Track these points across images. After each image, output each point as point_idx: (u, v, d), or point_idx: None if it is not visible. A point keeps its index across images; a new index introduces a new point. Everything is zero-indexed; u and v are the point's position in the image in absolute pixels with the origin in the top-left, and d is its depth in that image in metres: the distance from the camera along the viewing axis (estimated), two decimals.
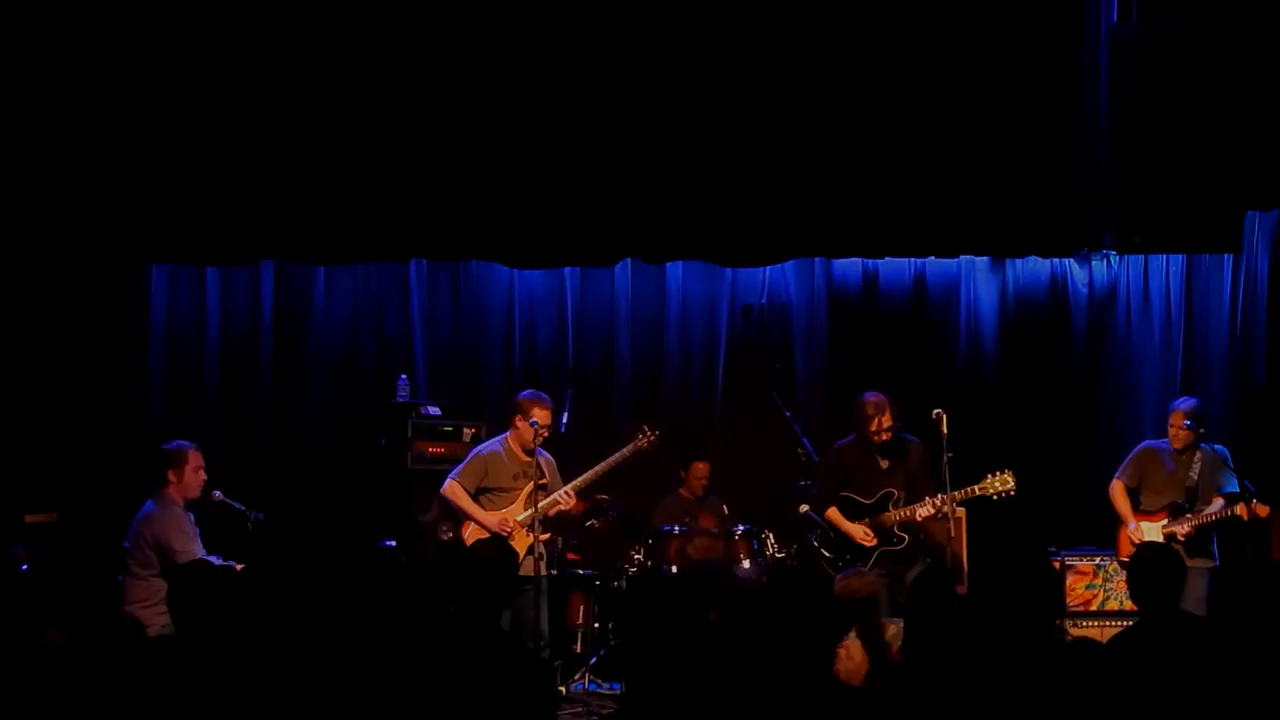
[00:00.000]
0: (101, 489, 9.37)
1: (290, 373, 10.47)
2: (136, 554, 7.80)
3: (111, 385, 9.78)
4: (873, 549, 8.78)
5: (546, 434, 8.71)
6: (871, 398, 8.82)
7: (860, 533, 8.78)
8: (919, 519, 8.65)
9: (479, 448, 8.94)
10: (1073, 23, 9.76)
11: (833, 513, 8.90)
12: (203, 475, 8.04)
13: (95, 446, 9.55)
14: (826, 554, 8.96)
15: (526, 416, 8.64)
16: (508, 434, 8.81)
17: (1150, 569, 5.65)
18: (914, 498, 8.69)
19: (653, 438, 9.06)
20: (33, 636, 7.08)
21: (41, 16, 9.27)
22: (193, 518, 8.05)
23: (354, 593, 4.44)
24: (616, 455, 8.92)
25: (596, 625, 9.47)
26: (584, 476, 8.82)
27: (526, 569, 8.63)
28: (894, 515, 8.75)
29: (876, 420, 8.74)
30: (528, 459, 8.70)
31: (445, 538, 9.09)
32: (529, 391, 8.91)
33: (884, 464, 8.87)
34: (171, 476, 7.95)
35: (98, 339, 9.71)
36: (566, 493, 8.73)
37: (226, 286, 10.42)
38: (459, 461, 9.10)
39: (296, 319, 10.49)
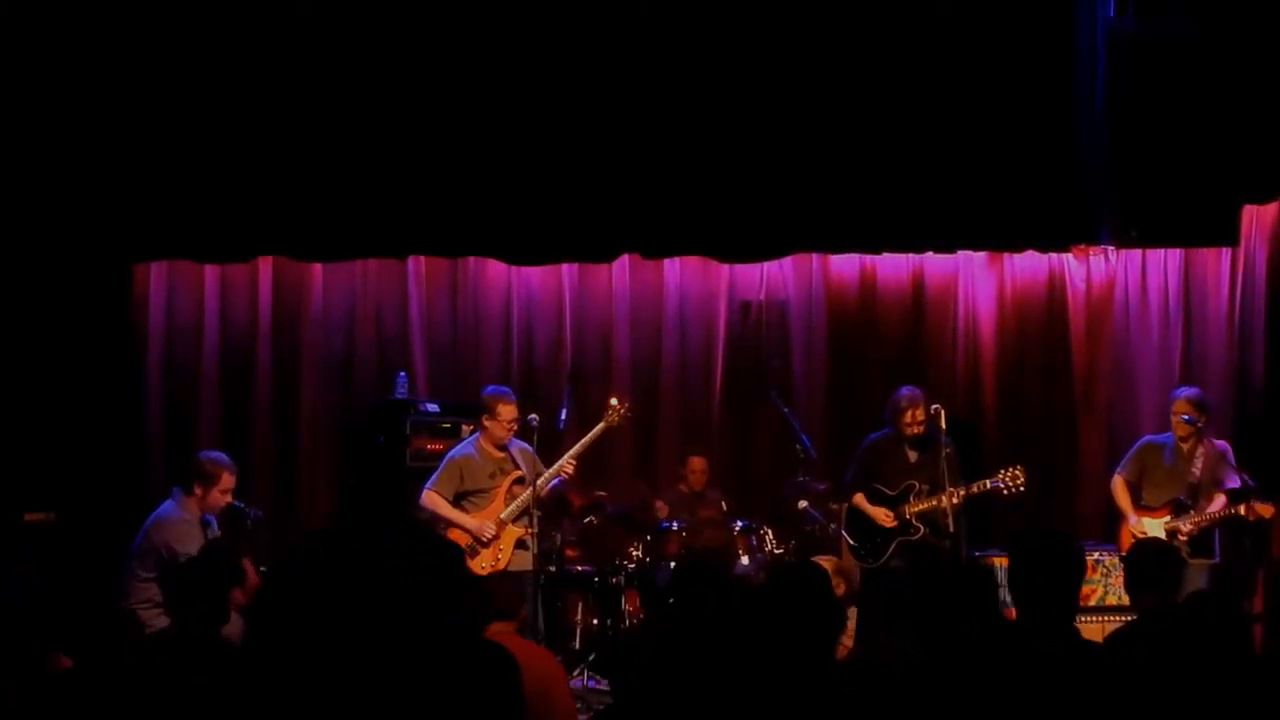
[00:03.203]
0: (100, 487, 9.37)
1: (288, 369, 10.46)
2: (143, 555, 7.73)
3: (110, 382, 9.76)
4: (891, 538, 9.04)
5: (515, 428, 8.73)
6: (906, 392, 9.18)
7: (881, 514, 9.06)
8: (937, 511, 8.87)
9: (451, 452, 8.91)
10: (1069, 18, 9.75)
11: (858, 498, 9.21)
12: (228, 498, 8.01)
13: (94, 444, 9.54)
14: (851, 541, 9.26)
15: (493, 414, 8.67)
16: (478, 434, 8.83)
17: (1147, 564, 5.66)
18: (937, 491, 8.87)
19: (622, 410, 9.11)
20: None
21: (39, 12, 9.25)
22: (213, 521, 8.03)
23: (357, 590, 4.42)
24: (590, 435, 8.95)
25: (595, 622, 9.45)
26: (561, 461, 8.81)
27: (519, 563, 8.66)
28: (913, 506, 9.00)
29: (909, 413, 9.06)
30: (501, 454, 8.74)
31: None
32: (492, 388, 8.96)
33: (912, 457, 9.15)
34: (198, 489, 7.89)
35: (96, 336, 9.69)
36: (570, 460, 8.76)
37: (225, 283, 10.41)
38: None
39: (294, 315, 10.47)
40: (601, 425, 9.04)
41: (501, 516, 8.66)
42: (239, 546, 7.66)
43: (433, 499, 8.71)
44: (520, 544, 8.67)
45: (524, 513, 8.68)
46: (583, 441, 8.92)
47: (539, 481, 8.65)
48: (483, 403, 8.80)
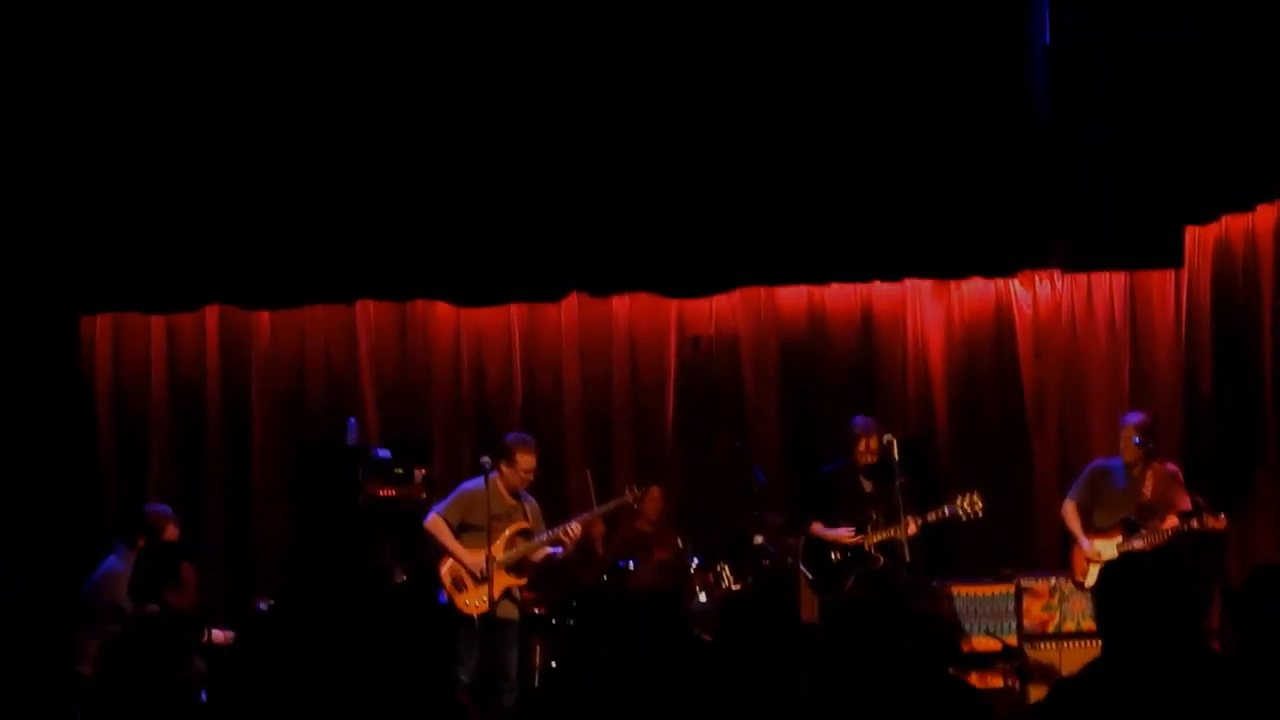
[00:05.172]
0: (53, 537, 9.26)
1: (239, 416, 10.42)
2: (90, 613, 7.70)
3: (59, 435, 9.65)
4: (851, 570, 9.07)
5: (531, 478, 8.79)
6: (860, 422, 9.28)
7: (844, 532, 9.13)
8: (894, 541, 8.91)
9: (467, 483, 8.94)
10: (1011, 43, 9.78)
11: (816, 526, 9.25)
12: None
13: (45, 496, 9.42)
14: (809, 575, 9.27)
15: (511, 461, 8.71)
16: (495, 474, 8.79)
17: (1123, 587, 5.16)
18: (893, 522, 8.89)
19: (640, 496, 9.29)
20: None
21: None
22: None
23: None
24: (600, 509, 9.17)
25: (553, 664, 9.41)
26: (566, 525, 8.84)
27: (505, 612, 8.71)
28: (871, 537, 9.05)
29: (864, 442, 9.17)
30: (513, 502, 8.78)
31: (399, 581, 9.04)
32: (514, 435, 9.05)
33: (868, 487, 9.20)
34: (143, 542, 7.88)
35: (42, 390, 9.57)
36: (575, 526, 8.79)
37: (172, 333, 10.38)
38: (417, 503, 9.11)
39: (243, 363, 10.44)
40: (614, 503, 9.18)
41: (499, 560, 8.64)
42: (175, 552, 7.62)
43: (437, 524, 8.76)
44: (508, 594, 8.70)
45: (518, 565, 8.70)
46: (591, 513, 9.07)
47: (536, 540, 8.73)
48: (503, 448, 8.82)
